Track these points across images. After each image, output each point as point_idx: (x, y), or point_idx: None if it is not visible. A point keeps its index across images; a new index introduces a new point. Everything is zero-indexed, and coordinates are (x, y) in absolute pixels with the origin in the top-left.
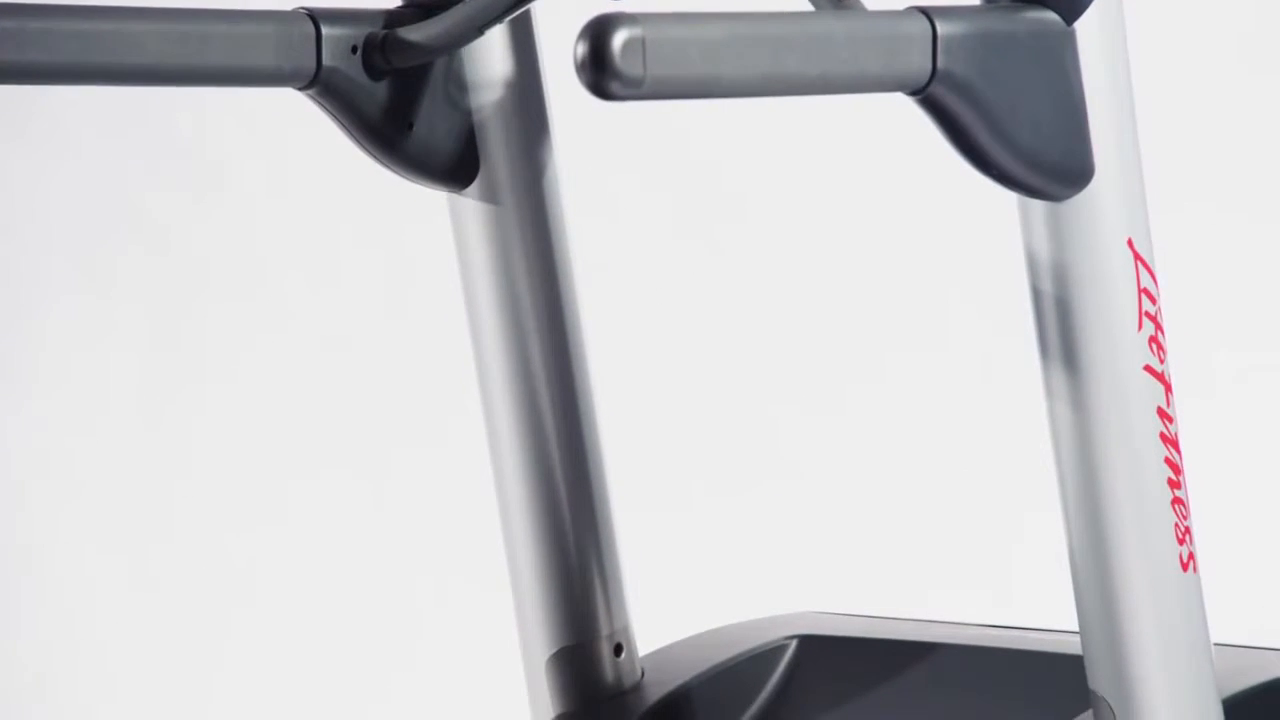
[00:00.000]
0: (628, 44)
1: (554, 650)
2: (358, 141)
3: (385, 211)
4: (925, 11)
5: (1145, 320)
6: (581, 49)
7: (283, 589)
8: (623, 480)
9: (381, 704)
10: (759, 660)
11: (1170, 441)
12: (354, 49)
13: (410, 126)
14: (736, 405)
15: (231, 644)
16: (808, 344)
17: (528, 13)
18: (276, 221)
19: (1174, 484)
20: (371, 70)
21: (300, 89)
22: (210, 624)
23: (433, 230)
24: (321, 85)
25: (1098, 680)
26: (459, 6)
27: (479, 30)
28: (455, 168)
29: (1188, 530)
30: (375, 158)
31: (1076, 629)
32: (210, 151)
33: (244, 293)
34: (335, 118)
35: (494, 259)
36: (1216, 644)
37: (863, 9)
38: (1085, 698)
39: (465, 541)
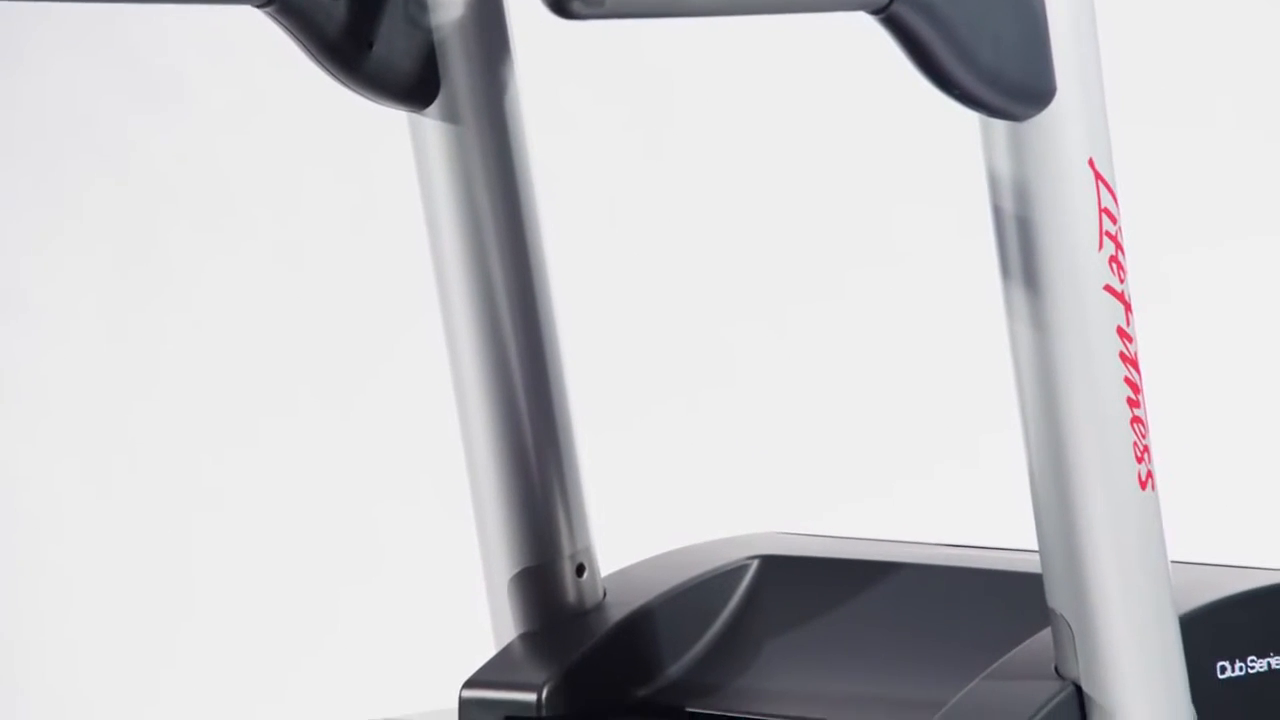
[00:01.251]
0: None
1: (516, 571)
2: (317, 61)
3: (346, 131)
4: None
5: (1105, 240)
6: None
7: (245, 510)
8: (584, 399)
9: (343, 625)
10: (721, 580)
11: (1130, 361)
12: None
13: (370, 45)
14: (697, 322)
15: (194, 565)
16: (767, 260)
17: None
18: (238, 140)
19: (1133, 403)
20: None
21: (259, 6)
22: (172, 544)
23: (395, 150)
24: (280, 3)
25: (1056, 598)
26: None
27: None
28: (415, 87)
29: (1146, 449)
30: (335, 77)
31: (1036, 548)
32: (172, 69)
33: (206, 213)
34: (294, 36)
35: (455, 179)
36: (1174, 561)
37: None
38: (1044, 616)
39: (426, 462)
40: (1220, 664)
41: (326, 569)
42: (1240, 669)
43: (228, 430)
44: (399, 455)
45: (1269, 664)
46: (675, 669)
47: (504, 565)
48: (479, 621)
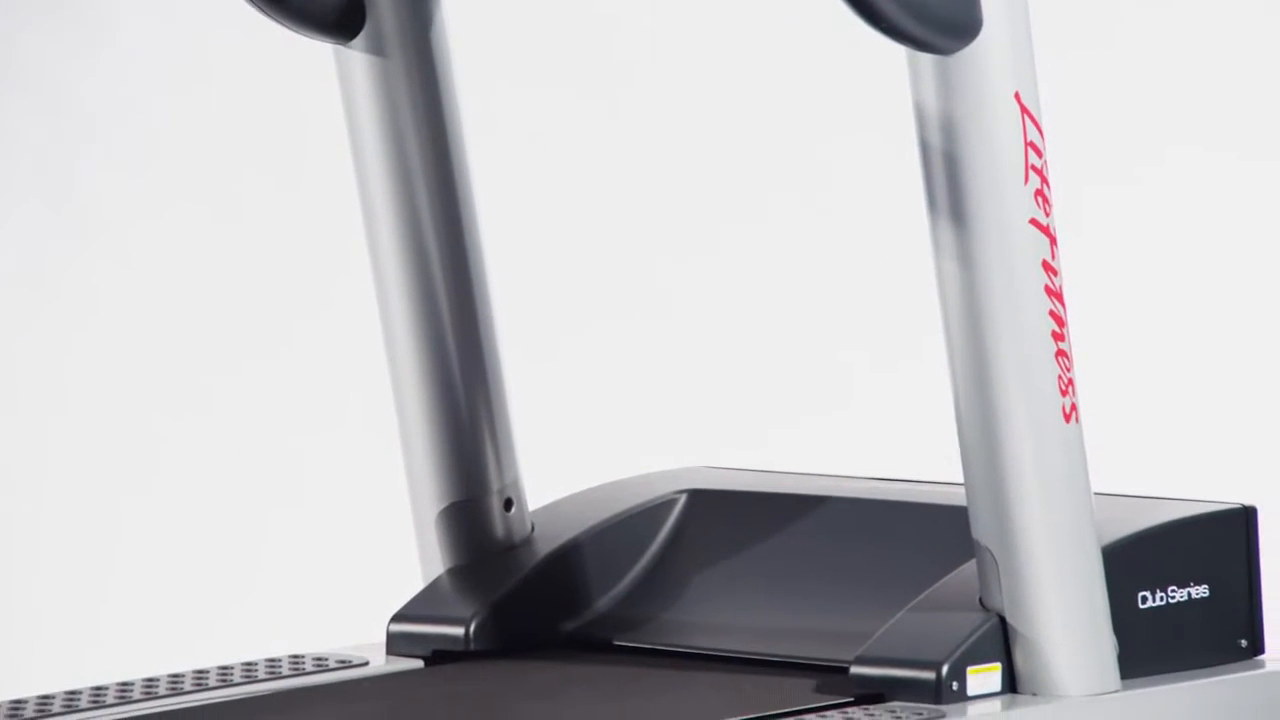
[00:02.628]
0: None
1: (444, 505)
2: None
3: (272, 66)
4: None
5: (1031, 174)
6: None
7: (174, 448)
8: (511, 334)
9: (270, 560)
10: (648, 514)
11: (1055, 294)
12: None
13: None
14: (624, 256)
15: (126, 505)
16: (694, 193)
17: None
18: (161, 76)
19: (1058, 336)
20: None
21: None
22: (101, 490)
23: (321, 83)
24: None
25: (981, 530)
26: None
27: None
28: (340, 19)
29: (1070, 382)
30: (259, 8)
31: (961, 481)
32: (97, 6)
33: (131, 151)
34: None
35: (381, 112)
36: (1097, 493)
37: None
38: (969, 547)
39: (354, 397)
40: (1142, 594)
41: (254, 504)
42: (1161, 599)
43: (157, 370)
44: (326, 391)
45: (1189, 594)
46: (603, 603)
47: (431, 500)
48: (406, 556)
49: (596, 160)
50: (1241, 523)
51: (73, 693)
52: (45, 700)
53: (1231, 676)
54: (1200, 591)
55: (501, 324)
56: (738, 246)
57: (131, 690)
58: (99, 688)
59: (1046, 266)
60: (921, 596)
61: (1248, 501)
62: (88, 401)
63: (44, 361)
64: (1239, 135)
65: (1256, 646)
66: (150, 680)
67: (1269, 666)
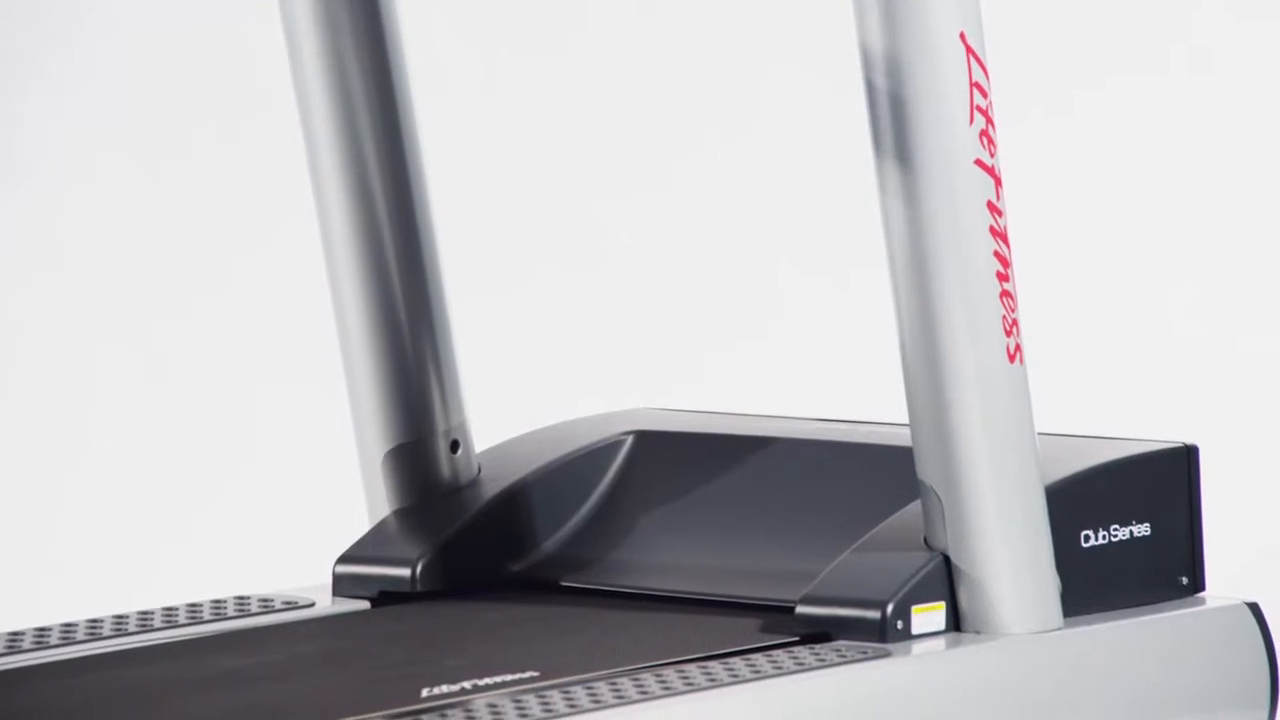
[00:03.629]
0: None
1: (390, 447)
2: None
3: (214, 4)
4: None
5: (976, 114)
6: None
7: (118, 391)
8: (458, 276)
9: (216, 502)
10: (595, 456)
11: (999, 235)
12: None
13: None
14: (568, 194)
15: (70, 449)
16: (636, 130)
17: None
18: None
19: (1002, 277)
20: None
21: None
22: (45, 435)
23: (263, 23)
24: None
25: (926, 470)
26: None
27: None
28: None
29: (1015, 323)
30: None
31: (906, 421)
32: None
33: (69, 93)
34: None
35: (324, 54)
36: (1040, 433)
37: None
38: (914, 488)
39: (299, 338)
40: (1084, 533)
41: (200, 447)
42: (1104, 537)
43: (98, 314)
44: (271, 333)
45: (1131, 532)
46: (550, 544)
47: (378, 441)
48: (353, 498)
49: (534, 103)
50: (1183, 462)
51: (15, 634)
52: None
53: (1172, 614)
54: (1142, 530)
55: (447, 266)
56: (678, 184)
57: (75, 631)
58: (42, 629)
59: (991, 207)
60: (866, 536)
61: (1189, 440)
62: (29, 348)
63: None
64: (1178, 63)
65: (1197, 584)
66: (94, 621)
67: (1209, 604)
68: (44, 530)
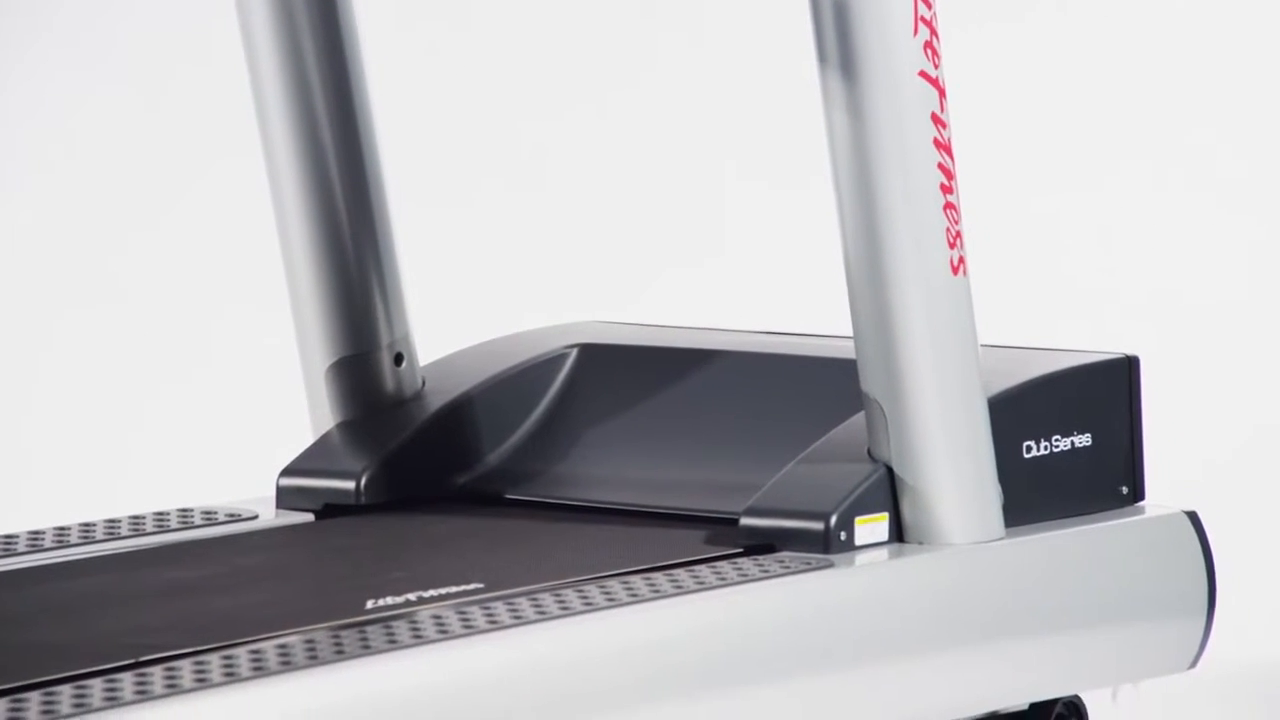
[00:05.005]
0: None
1: (333, 360)
2: None
3: None
4: None
5: (920, 25)
6: None
7: (62, 301)
8: (400, 187)
9: (159, 415)
10: (540, 368)
11: (943, 147)
12: None
13: None
14: (511, 109)
15: (13, 359)
16: (578, 45)
17: None
18: None
19: (946, 189)
20: None
21: None
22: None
23: None
24: None
25: (870, 382)
26: None
27: None
28: None
29: (958, 235)
30: None
31: (849, 334)
32: None
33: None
34: None
35: None
36: (983, 345)
37: None
38: (857, 400)
39: (243, 252)
40: (1026, 443)
41: (144, 359)
42: (1045, 448)
43: (45, 230)
44: (214, 246)
45: (1072, 443)
46: (494, 456)
47: (321, 354)
48: (296, 411)
49: (477, 24)
50: (1124, 372)
51: None
52: None
53: (1113, 523)
54: (1083, 440)
55: (390, 181)
56: (621, 100)
57: (17, 543)
58: None
59: (935, 119)
60: (810, 449)
61: (1130, 351)
62: None
63: None
64: None
65: (1137, 493)
66: (36, 534)
67: (1149, 512)
68: None
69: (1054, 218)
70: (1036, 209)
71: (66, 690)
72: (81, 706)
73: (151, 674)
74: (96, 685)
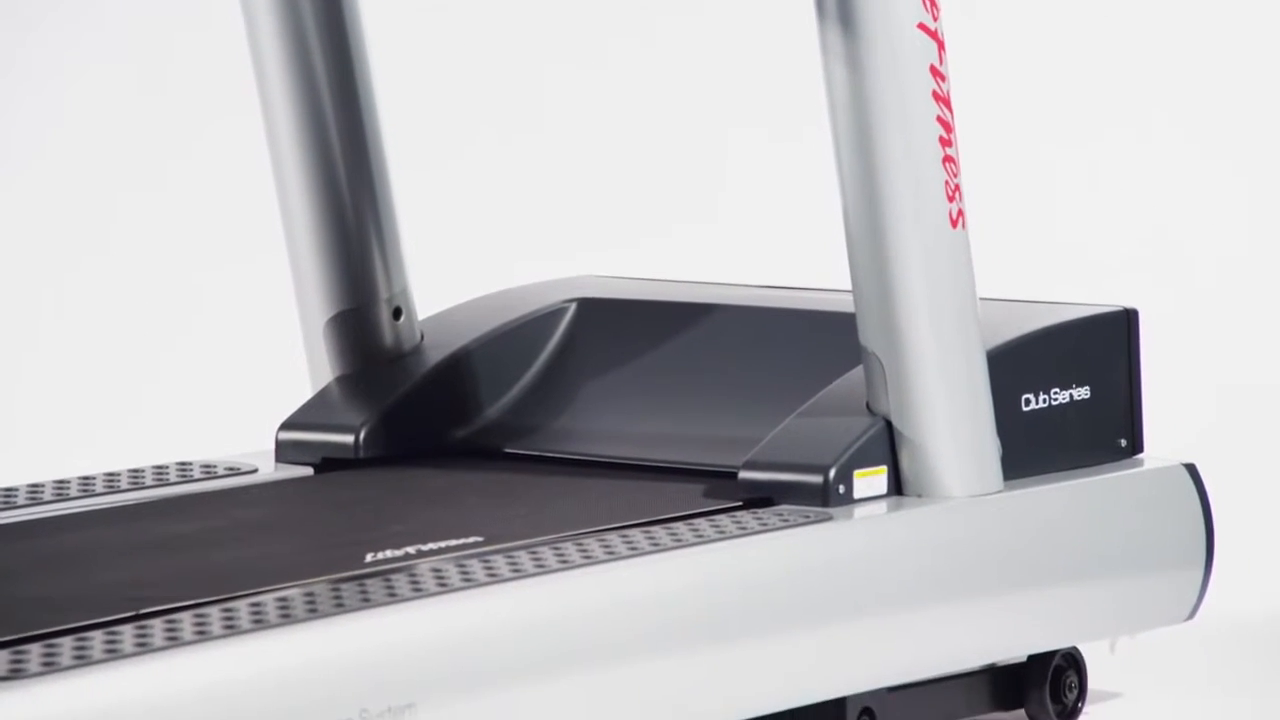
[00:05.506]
0: None
1: (332, 314)
2: None
3: None
4: None
5: None
6: None
7: (61, 254)
8: (399, 141)
9: (159, 369)
10: (538, 323)
11: (942, 100)
12: None
13: None
14: (509, 63)
15: (12, 311)
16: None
17: None
18: None
19: (945, 142)
20: None
21: None
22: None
23: None
24: None
25: (868, 336)
26: None
27: None
28: None
29: (957, 188)
30: None
31: (848, 288)
32: None
33: None
34: None
35: None
36: (982, 298)
37: None
38: (856, 354)
39: (242, 206)
40: (1025, 396)
41: (143, 313)
42: (1044, 400)
43: (50, 184)
44: (213, 200)
45: (1071, 395)
46: (493, 411)
47: (319, 308)
48: (295, 365)
49: None
50: (1123, 325)
51: None
52: None
53: (1111, 475)
54: (1082, 393)
55: (388, 134)
56: (621, 52)
57: (16, 496)
58: None
59: (934, 71)
60: (809, 402)
61: (1129, 304)
62: None
63: None
64: None
65: (1136, 446)
66: (35, 486)
67: (1147, 465)
68: None
69: (1053, 170)
70: (1036, 162)
71: (67, 642)
72: (82, 659)
73: (152, 626)
74: (97, 637)
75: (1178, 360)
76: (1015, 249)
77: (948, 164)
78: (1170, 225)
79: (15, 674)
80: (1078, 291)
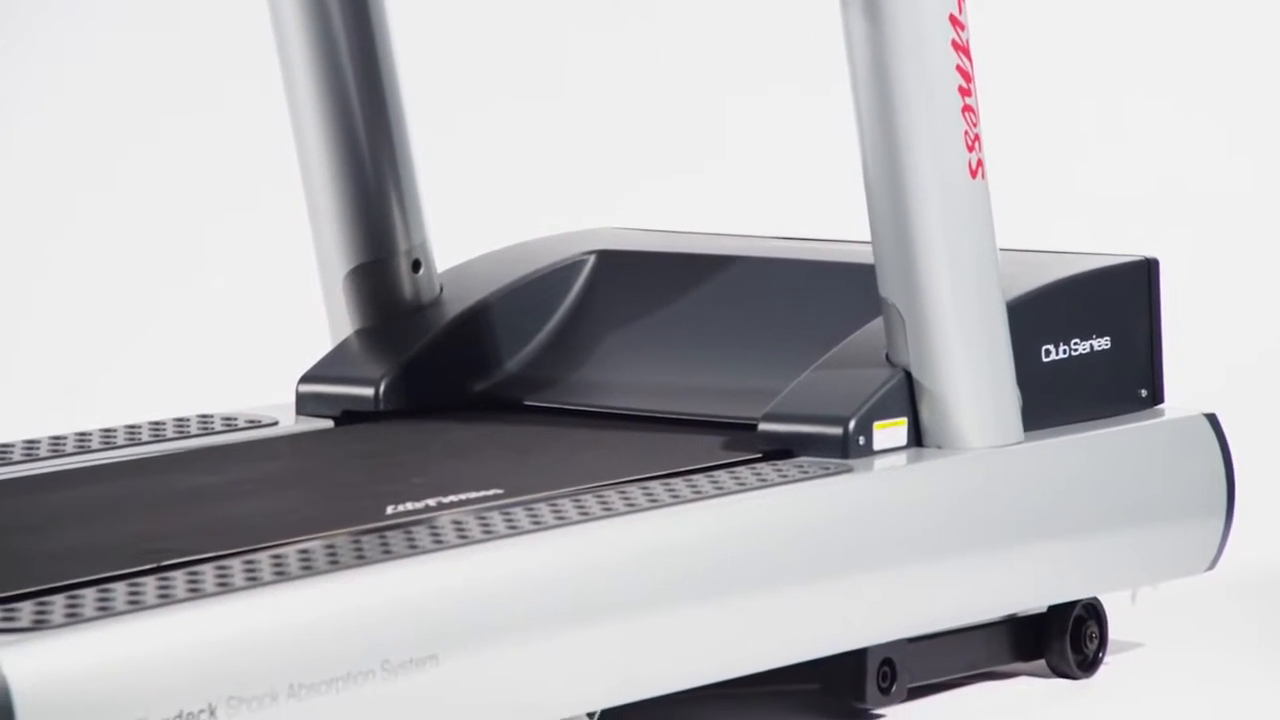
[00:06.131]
0: None
1: (351, 267)
2: None
3: None
4: None
5: None
6: None
7: (84, 202)
8: (417, 93)
9: (179, 322)
10: (557, 275)
11: (961, 49)
12: None
13: None
14: (530, 13)
15: (34, 259)
16: None
17: None
18: None
19: (964, 91)
20: None
21: None
22: (9, 242)
23: None
24: None
25: (888, 287)
26: None
27: None
28: None
29: (977, 138)
30: None
31: (868, 239)
32: None
33: None
34: None
35: None
36: (1001, 249)
37: None
38: (876, 305)
39: (261, 158)
40: (1045, 347)
41: (163, 266)
42: (1064, 351)
43: (68, 129)
44: (232, 153)
45: (1091, 346)
46: (512, 363)
47: (339, 261)
48: (315, 317)
49: None
50: (1143, 275)
51: None
52: None
53: (1131, 425)
54: (1102, 343)
55: (406, 86)
56: (637, 2)
57: (39, 448)
58: (3, 445)
59: (954, 20)
60: (829, 354)
61: (1149, 254)
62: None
63: None
64: None
65: (1156, 396)
66: (57, 438)
67: (1168, 415)
68: (4, 344)
69: (1073, 119)
70: (1056, 110)
71: (90, 594)
72: (105, 610)
73: (174, 578)
74: (119, 589)
75: (1198, 310)
76: (1035, 199)
77: (967, 113)
78: (1190, 173)
79: (39, 625)
80: (1098, 241)
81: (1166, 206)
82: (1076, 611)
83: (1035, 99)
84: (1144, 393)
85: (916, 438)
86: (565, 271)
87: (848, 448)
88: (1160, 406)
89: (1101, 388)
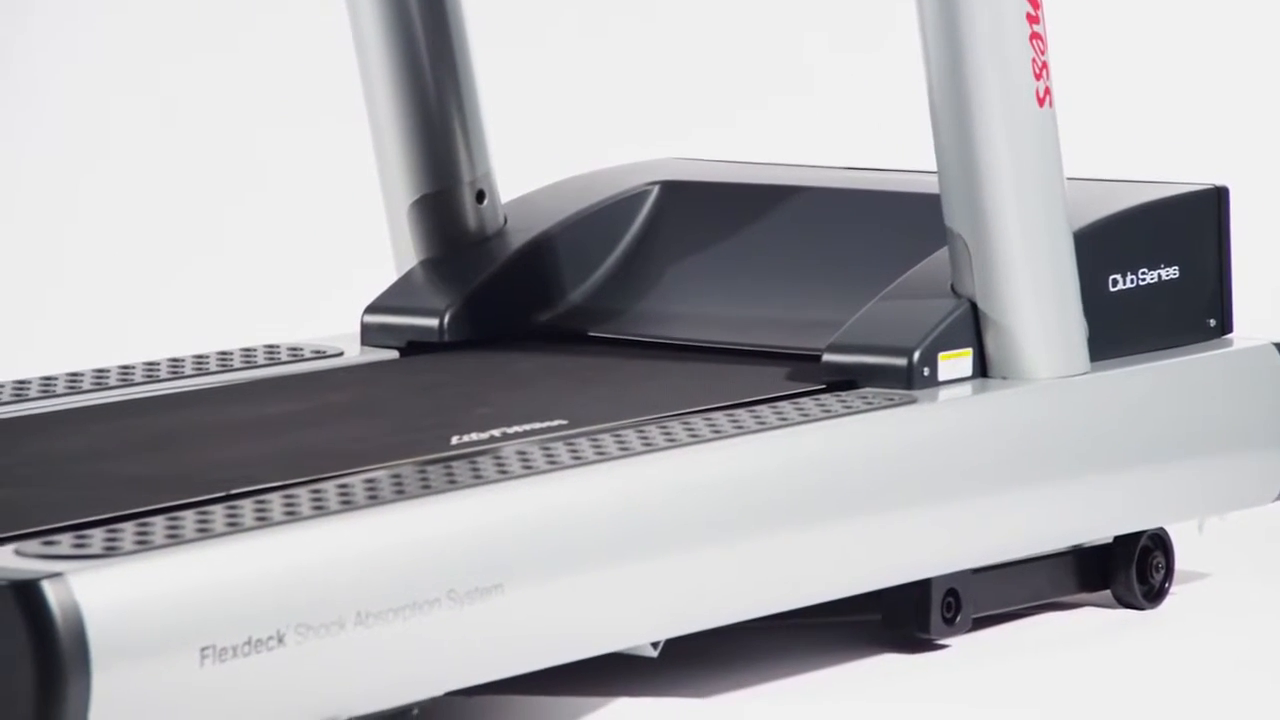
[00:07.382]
0: None
1: (415, 197)
2: None
3: None
4: None
5: None
6: None
7: (144, 134)
8: (481, 22)
9: (245, 254)
10: (621, 206)
11: None
12: None
13: None
14: None
15: (94, 191)
16: None
17: None
18: None
19: (1032, 19)
20: None
21: None
22: (72, 177)
23: None
24: None
25: (954, 217)
26: None
27: None
28: None
29: (1045, 65)
30: None
31: (934, 169)
32: None
33: None
34: None
35: None
36: (1069, 178)
37: None
38: (941, 235)
39: (327, 90)
40: (1113, 276)
41: (229, 197)
42: (1132, 281)
43: (122, 63)
44: (297, 84)
45: (1159, 275)
46: (576, 294)
47: (403, 191)
48: (380, 248)
49: None
50: (1213, 203)
51: (48, 379)
52: (21, 385)
53: (1199, 356)
54: (1170, 273)
55: (471, 14)
56: None
57: (108, 377)
58: (74, 374)
59: None
60: (893, 284)
61: (1219, 182)
62: (54, 96)
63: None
64: None
65: (1225, 326)
66: (126, 369)
67: (1236, 345)
68: (68, 279)
69: (1143, 46)
70: (1124, 37)
71: (159, 521)
72: (174, 538)
73: (242, 507)
74: (189, 517)
75: (1270, 238)
76: (1103, 126)
77: (1035, 41)
78: (1263, 100)
79: (110, 552)
80: (1167, 169)
81: (1239, 132)
82: (1143, 542)
83: (1105, 24)
84: (1212, 322)
85: (982, 368)
86: (629, 202)
87: (912, 379)
88: (1229, 336)
89: (1169, 318)
